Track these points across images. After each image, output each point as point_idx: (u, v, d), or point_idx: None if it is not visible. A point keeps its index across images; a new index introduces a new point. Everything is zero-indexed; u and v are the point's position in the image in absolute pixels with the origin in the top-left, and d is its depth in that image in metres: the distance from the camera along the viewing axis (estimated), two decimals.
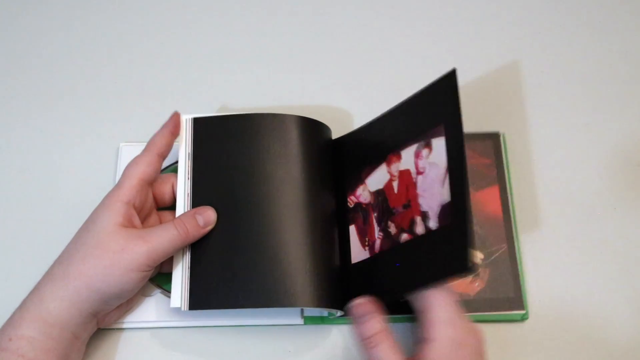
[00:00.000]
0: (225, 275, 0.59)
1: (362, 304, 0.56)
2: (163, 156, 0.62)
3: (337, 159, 0.67)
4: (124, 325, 0.63)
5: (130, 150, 0.68)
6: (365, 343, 0.54)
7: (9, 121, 0.73)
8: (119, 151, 0.70)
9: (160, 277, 0.64)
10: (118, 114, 0.74)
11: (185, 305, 0.59)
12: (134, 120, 0.73)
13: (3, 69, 0.76)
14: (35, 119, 0.73)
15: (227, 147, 0.64)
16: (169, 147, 0.63)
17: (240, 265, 0.59)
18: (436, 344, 0.52)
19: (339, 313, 0.61)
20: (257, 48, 0.78)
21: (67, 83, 0.75)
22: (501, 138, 0.70)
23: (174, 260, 0.61)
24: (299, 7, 0.81)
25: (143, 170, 0.60)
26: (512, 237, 0.66)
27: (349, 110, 0.74)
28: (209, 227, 0.60)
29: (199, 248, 0.60)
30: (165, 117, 0.64)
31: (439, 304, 0.53)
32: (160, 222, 0.63)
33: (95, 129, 0.73)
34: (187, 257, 0.60)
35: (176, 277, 0.60)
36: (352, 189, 0.65)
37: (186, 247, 0.60)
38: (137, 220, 0.59)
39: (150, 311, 0.63)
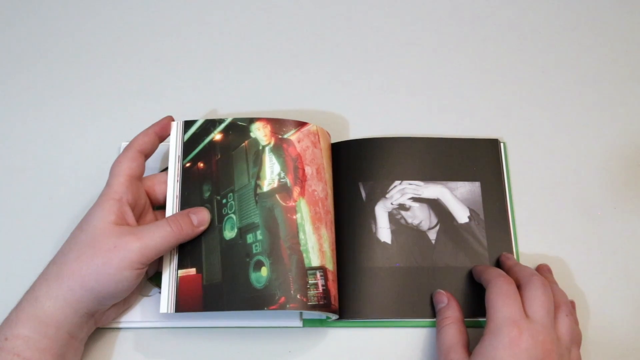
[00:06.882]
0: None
1: (442, 292, 0.63)
2: (145, 153, 0.62)
3: (335, 162, 0.68)
4: (122, 325, 0.63)
5: None
6: (439, 320, 0.61)
7: (10, 121, 0.74)
8: (119, 151, 0.70)
9: (158, 277, 0.64)
10: (119, 114, 0.74)
11: (171, 308, 0.59)
12: (135, 120, 0.73)
13: (3, 69, 0.77)
14: (36, 118, 0.74)
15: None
16: (152, 146, 0.63)
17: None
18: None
19: (335, 317, 0.61)
20: (256, 52, 0.78)
21: (68, 83, 0.76)
22: (501, 145, 0.71)
23: (163, 265, 0.61)
24: (295, 11, 0.81)
25: (128, 166, 0.60)
26: (510, 241, 0.66)
27: (345, 115, 0.74)
28: (202, 228, 0.60)
29: (186, 251, 0.61)
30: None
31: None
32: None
33: (96, 128, 0.73)
34: (174, 261, 0.61)
35: (164, 282, 0.60)
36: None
37: (174, 250, 0.61)
38: (130, 218, 0.59)
39: (149, 311, 0.63)
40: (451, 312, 0.61)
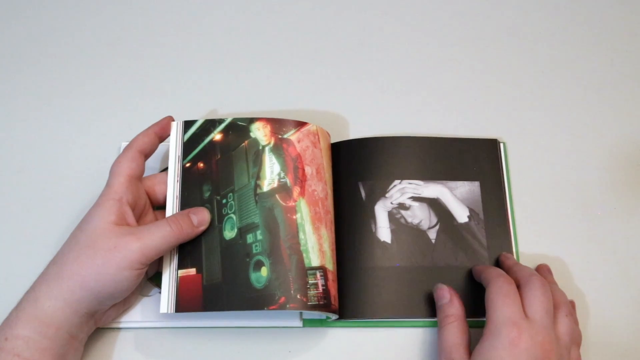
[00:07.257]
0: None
1: (444, 288, 0.61)
2: (145, 154, 0.62)
3: (335, 162, 0.68)
4: (122, 325, 0.63)
5: None
6: (441, 319, 0.60)
7: (10, 121, 0.74)
8: (119, 151, 0.70)
9: (158, 277, 0.64)
10: (119, 114, 0.74)
11: (172, 308, 0.59)
12: (135, 120, 0.73)
13: (4, 69, 0.77)
14: (36, 118, 0.74)
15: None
16: (152, 146, 0.63)
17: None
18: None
19: (335, 317, 0.61)
20: (256, 53, 0.78)
21: (69, 83, 0.76)
22: (501, 145, 0.71)
23: (163, 265, 0.61)
24: (295, 11, 0.81)
25: (128, 166, 0.60)
26: (510, 241, 0.66)
27: (345, 115, 0.74)
28: (202, 228, 0.60)
29: (186, 251, 0.61)
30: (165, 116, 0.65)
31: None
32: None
33: (96, 128, 0.73)
34: (174, 261, 0.61)
35: (164, 282, 0.60)
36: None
37: (174, 250, 0.61)
38: (131, 218, 0.59)
39: (149, 311, 0.63)
40: (454, 310, 0.60)
